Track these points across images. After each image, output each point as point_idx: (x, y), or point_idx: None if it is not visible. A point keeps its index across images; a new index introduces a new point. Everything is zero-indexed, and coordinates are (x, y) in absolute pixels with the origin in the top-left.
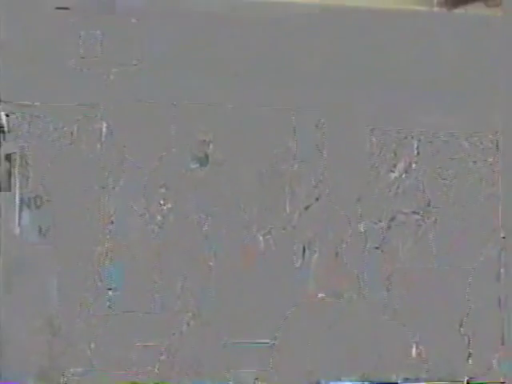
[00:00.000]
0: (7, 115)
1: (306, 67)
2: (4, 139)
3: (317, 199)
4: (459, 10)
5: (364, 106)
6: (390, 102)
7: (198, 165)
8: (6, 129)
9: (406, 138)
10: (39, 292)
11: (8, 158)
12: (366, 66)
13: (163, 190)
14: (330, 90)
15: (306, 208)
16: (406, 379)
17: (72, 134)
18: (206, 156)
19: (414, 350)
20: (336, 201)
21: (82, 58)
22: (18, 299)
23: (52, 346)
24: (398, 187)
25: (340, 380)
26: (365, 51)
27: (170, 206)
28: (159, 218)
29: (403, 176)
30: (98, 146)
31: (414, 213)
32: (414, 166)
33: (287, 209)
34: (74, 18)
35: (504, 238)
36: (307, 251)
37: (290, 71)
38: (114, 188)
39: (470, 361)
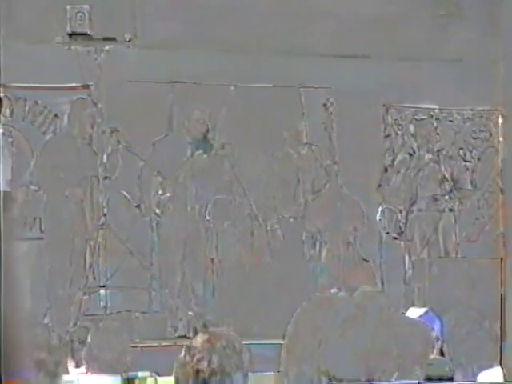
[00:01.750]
0: None
1: (312, 40)
2: None
3: (325, 185)
4: None
5: (377, 82)
6: (406, 76)
7: (201, 151)
8: None
9: (424, 117)
10: (26, 291)
11: None
12: (379, 37)
13: (160, 179)
14: (339, 64)
15: (315, 195)
16: (429, 379)
17: (60, 118)
18: (207, 140)
19: (436, 347)
20: (348, 186)
21: (69, 34)
22: (3, 299)
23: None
24: (417, 171)
25: (356, 380)
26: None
27: (168, 195)
28: (156, 208)
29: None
30: (89, 131)
31: (434, 199)
32: (434, 147)
33: (296, 196)
34: None
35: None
36: (318, 241)
37: (295, 45)
38: (106, 177)
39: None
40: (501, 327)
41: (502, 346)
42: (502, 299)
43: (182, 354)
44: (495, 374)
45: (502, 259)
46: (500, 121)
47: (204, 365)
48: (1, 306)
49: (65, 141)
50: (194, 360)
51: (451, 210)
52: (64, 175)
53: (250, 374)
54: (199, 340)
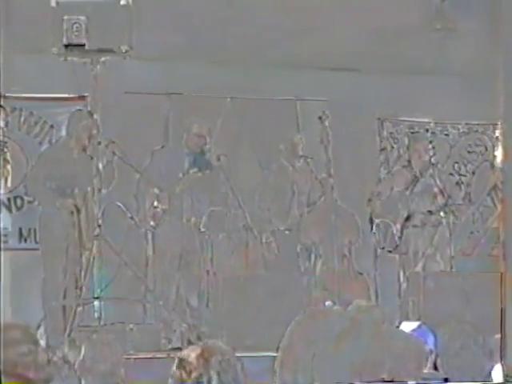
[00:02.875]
0: None
1: (309, 53)
2: None
3: (320, 197)
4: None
5: (373, 95)
6: (401, 90)
7: (198, 166)
8: None
9: (420, 130)
10: (20, 302)
11: None
12: (375, 51)
13: (156, 191)
14: (335, 78)
15: (310, 207)
16: None
17: (56, 128)
18: (205, 153)
19: (430, 361)
20: (343, 199)
21: (66, 45)
22: None
23: (35, 360)
24: (412, 185)
25: None
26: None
27: (164, 207)
28: (151, 220)
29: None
30: (85, 143)
31: (430, 213)
32: (429, 160)
33: (291, 208)
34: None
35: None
36: (312, 254)
37: (292, 58)
38: (101, 189)
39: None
40: (501, 343)
41: (502, 362)
42: (503, 314)
43: (176, 368)
44: None
45: (502, 274)
46: (497, 134)
47: (204, 382)
48: (0, 308)
49: (59, 152)
50: (192, 377)
51: (446, 224)
52: (56, 186)
53: None
54: (192, 355)
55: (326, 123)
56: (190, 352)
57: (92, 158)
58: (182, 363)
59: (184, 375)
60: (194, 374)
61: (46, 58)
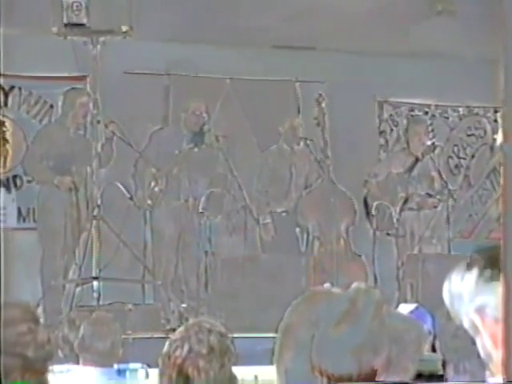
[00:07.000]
0: None
1: (308, 34)
2: None
3: (317, 179)
4: None
5: (373, 77)
6: (402, 72)
7: (197, 144)
8: None
9: (419, 113)
10: (19, 281)
11: None
12: (375, 32)
13: (154, 170)
14: (334, 59)
15: (308, 189)
16: (420, 375)
17: (55, 108)
18: (203, 132)
19: (428, 344)
20: (342, 182)
21: (66, 24)
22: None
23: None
24: (411, 167)
25: (350, 375)
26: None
27: (162, 187)
28: (150, 200)
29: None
30: (84, 121)
31: (428, 195)
32: (428, 143)
33: (289, 190)
34: None
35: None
36: (310, 236)
37: (290, 39)
38: (100, 169)
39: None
40: (505, 330)
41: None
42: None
43: (165, 349)
44: None
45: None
46: (496, 116)
47: (180, 352)
48: (0, 305)
49: (55, 130)
50: (171, 350)
51: (444, 206)
52: (53, 164)
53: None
54: (177, 332)
55: (323, 105)
56: (177, 331)
57: (85, 135)
58: (170, 343)
59: (171, 352)
60: (173, 346)
61: (46, 37)
